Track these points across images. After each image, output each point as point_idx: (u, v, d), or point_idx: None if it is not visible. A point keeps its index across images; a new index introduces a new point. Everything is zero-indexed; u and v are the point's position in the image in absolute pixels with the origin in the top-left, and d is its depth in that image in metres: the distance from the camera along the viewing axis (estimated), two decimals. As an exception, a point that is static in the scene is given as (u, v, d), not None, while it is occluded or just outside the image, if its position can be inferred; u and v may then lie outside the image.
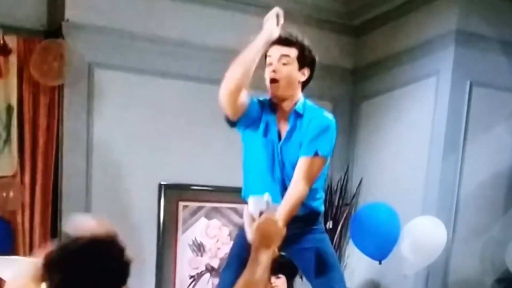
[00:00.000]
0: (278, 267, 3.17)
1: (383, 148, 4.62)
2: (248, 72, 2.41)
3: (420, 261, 3.89)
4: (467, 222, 4.12)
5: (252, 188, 2.52)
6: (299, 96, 2.59)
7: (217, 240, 4.53)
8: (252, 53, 2.42)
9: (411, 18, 4.35)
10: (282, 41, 2.51)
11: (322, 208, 2.76)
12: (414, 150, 4.29)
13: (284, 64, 2.51)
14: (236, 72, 2.40)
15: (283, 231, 2.00)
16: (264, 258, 1.86)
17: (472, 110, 4.06)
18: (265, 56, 2.53)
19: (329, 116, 2.59)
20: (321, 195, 2.73)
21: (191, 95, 4.33)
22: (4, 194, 3.85)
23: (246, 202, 2.36)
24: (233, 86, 2.42)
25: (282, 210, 2.34)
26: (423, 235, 3.86)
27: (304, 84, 2.60)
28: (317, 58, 2.58)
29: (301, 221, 2.68)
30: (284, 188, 2.54)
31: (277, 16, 2.46)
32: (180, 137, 4.32)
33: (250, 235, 2.00)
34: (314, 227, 2.76)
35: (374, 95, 4.74)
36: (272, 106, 2.59)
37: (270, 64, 2.52)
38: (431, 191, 4.12)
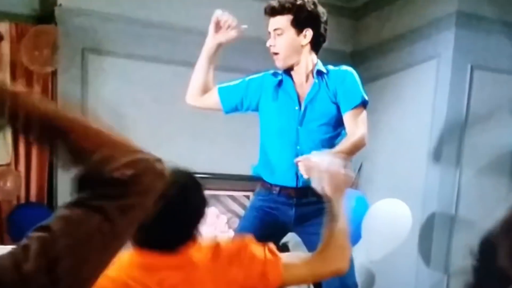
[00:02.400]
0: None
1: (383, 132, 4.56)
2: (196, 81, 2.78)
3: (384, 245, 3.83)
4: (469, 206, 4.07)
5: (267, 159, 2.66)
6: (312, 58, 2.62)
7: (215, 228, 4.48)
8: (197, 64, 2.76)
9: (410, 0, 4.27)
10: (271, 13, 2.57)
11: None
12: (414, 133, 4.24)
13: (278, 35, 2.56)
14: (190, 85, 2.79)
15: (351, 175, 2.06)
16: (341, 205, 1.95)
17: (473, 93, 4.00)
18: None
19: (349, 68, 2.71)
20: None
21: (186, 81, 4.24)
22: (1, 183, 3.80)
23: (254, 179, 2.64)
24: (188, 96, 2.85)
25: (345, 147, 2.52)
26: (386, 218, 3.80)
27: (315, 44, 2.61)
28: (322, 13, 2.58)
29: (313, 195, 2.66)
30: (297, 144, 2.62)
31: (216, 22, 2.65)
32: (176, 124, 4.26)
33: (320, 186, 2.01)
34: (326, 205, 2.75)
35: (373, 79, 4.66)
36: (288, 74, 2.67)
37: (269, 34, 2.60)
38: (432, 175, 4.07)
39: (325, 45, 2.63)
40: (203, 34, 4.15)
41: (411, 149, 4.27)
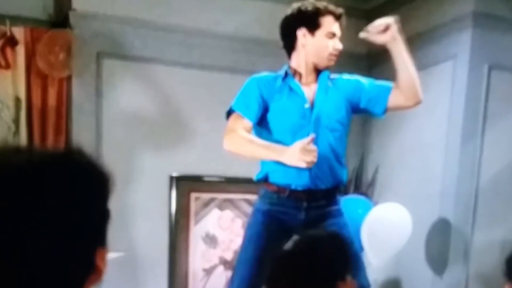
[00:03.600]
0: None
1: (399, 134, 4.52)
2: (247, 157, 2.66)
3: (384, 251, 3.81)
4: (487, 209, 4.02)
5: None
6: None
7: (230, 232, 4.47)
8: (261, 155, 2.62)
9: (425, 0, 4.24)
10: (340, 18, 2.78)
11: (345, 178, 2.88)
12: (431, 135, 4.19)
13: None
14: (241, 150, 2.67)
15: None
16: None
17: (491, 94, 3.95)
18: (315, 23, 2.69)
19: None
20: (345, 162, 2.83)
21: (201, 85, 4.27)
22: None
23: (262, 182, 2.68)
24: (233, 153, 2.72)
25: None
26: (385, 224, 3.79)
27: None
28: None
29: (324, 198, 2.67)
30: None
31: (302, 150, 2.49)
32: (191, 127, 4.26)
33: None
34: (336, 207, 2.76)
35: (389, 80, 4.63)
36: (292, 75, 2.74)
37: (332, 38, 2.73)
38: (449, 178, 4.03)
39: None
40: (218, 38, 4.19)
41: (427, 152, 4.22)
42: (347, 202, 4.14)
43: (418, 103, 2.79)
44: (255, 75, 2.76)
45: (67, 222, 0.89)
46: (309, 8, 2.70)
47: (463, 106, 3.92)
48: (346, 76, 2.85)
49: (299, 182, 2.64)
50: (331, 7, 2.73)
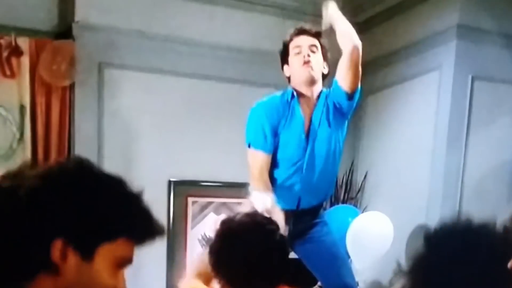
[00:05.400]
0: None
1: (388, 141, 4.68)
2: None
3: (365, 258, 3.96)
4: (472, 213, 4.14)
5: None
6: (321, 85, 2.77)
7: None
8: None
9: (413, 13, 4.41)
10: (309, 32, 2.72)
11: (328, 197, 2.90)
12: (418, 143, 4.35)
13: (312, 51, 2.70)
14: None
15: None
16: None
17: (475, 103, 4.11)
18: (286, 54, 2.72)
19: None
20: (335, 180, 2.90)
21: (200, 93, 4.40)
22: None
23: None
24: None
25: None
26: (368, 232, 3.94)
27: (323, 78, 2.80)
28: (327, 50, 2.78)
29: (309, 215, 2.76)
30: (303, 170, 2.70)
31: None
32: (189, 134, 4.40)
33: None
34: (319, 220, 2.85)
35: (378, 90, 4.80)
36: (292, 99, 2.75)
37: (299, 53, 2.70)
38: (435, 183, 4.18)
39: (333, 57, 2.77)
40: (217, 49, 4.33)
41: (414, 157, 4.38)
42: (337, 211, 4.32)
43: (354, 46, 2.70)
44: (259, 103, 2.79)
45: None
46: (281, 47, 2.80)
47: (448, 115, 4.09)
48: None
49: (288, 206, 2.71)
50: (290, 32, 2.78)
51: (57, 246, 0.99)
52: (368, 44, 4.90)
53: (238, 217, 1.86)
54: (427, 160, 4.24)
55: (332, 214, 4.09)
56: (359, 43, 2.71)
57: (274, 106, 2.75)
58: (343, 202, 4.84)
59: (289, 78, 2.80)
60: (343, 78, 2.70)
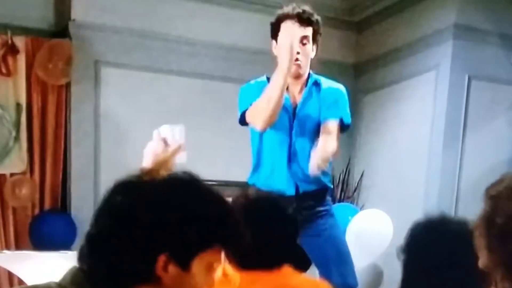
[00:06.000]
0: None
1: (385, 141, 4.69)
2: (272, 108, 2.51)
3: (364, 255, 3.93)
4: (468, 211, 4.14)
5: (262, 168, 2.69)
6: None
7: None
8: (278, 90, 2.50)
9: (410, 13, 4.42)
10: (303, 20, 2.59)
11: (330, 185, 2.87)
12: (415, 142, 4.36)
13: (304, 44, 2.60)
14: (263, 109, 2.53)
15: None
16: None
17: (471, 103, 4.13)
18: (277, 31, 2.61)
19: (340, 85, 2.75)
20: (330, 170, 2.79)
21: (197, 92, 4.41)
22: (17, 191, 3.95)
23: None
24: (264, 118, 2.55)
25: (319, 153, 2.44)
26: (367, 229, 3.94)
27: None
28: (321, 32, 2.67)
29: (312, 199, 2.72)
30: (292, 153, 2.66)
31: (291, 49, 2.47)
32: (187, 133, 4.38)
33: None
34: (325, 208, 2.80)
35: (375, 89, 4.81)
36: None
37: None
38: (432, 183, 4.19)
39: (329, 57, 2.72)
40: (213, 47, 4.33)
41: (411, 157, 4.39)
42: (337, 209, 4.32)
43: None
44: (248, 83, 2.80)
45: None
46: (275, 18, 2.67)
47: (444, 114, 4.10)
48: (335, 85, 2.78)
49: (288, 191, 2.66)
50: (290, 10, 2.61)
51: (161, 261, 1.06)
52: (365, 43, 4.98)
53: (251, 193, 1.85)
54: (423, 159, 4.25)
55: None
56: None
57: (262, 88, 2.67)
58: (340, 201, 4.83)
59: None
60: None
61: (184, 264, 1.08)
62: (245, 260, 1.65)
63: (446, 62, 4.07)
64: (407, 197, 4.26)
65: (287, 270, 1.77)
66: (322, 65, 2.74)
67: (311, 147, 2.64)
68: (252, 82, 2.80)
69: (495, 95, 4.19)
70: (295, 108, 2.70)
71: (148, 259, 1.06)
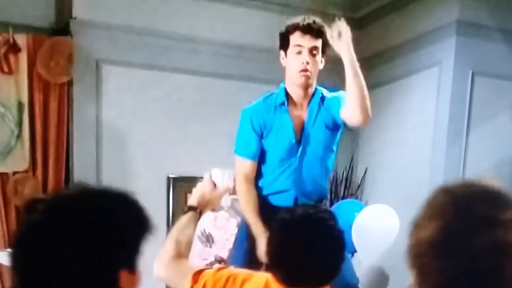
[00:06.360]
0: None
1: (388, 138, 4.68)
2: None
3: (371, 250, 3.96)
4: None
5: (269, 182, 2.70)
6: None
7: (225, 231, 4.60)
8: (248, 219, 2.65)
9: (412, 9, 4.40)
10: (313, 32, 2.57)
11: (327, 194, 2.88)
12: (418, 139, 4.35)
13: (313, 55, 2.59)
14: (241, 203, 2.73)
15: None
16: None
17: (475, 99, 4.12)
18: (286, 43, 2.60)
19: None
20: (328, 177, 2.83)
21: (198, 90, 4.40)
22: (20, 189, 3.94)
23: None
24: None
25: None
26: (373, 224, 3.93)
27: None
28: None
29: None
30: (299, 171, 2.67)
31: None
32: (188, 130, 4.39)
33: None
34: None
35: (377, 86, 4.78)
36: (281, 99, 2.68)
37: (299, 53, 2.58)
38: (435, 179, 4.17)
39: (331, 53, 2.71)
40: (215, 45, 4.33)
41: (415, 153, 4.38)
42: (342, 205, 4.31)
43: (363, 121, 2.60)
44: (247, 108, 2.75)
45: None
46: (283, 29, 2.65)
47: (448, 110, 4.09)
48: (336, 94, 2.75)
49: (285, 204, 2.66)
50: (299, 21, 2.61)
51: (123, 275, 1.16)
52: (368, 39, 4.96)
53: (299, 209, 1.84)
54: (427, 155, 4.24)
55: (337, 209, 4.09)
56: (366, 118, 2.60)
57: (259, 113, 2.70)
58: (343, 198, 4.83)
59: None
60: (344, 121, 2.64)
61: (135, 271, 1.20)
62: (296, 280, 1.67)
63: (450, 58, 4.06)
64: (411, 193, 4.22)
65: None
66: (325, 62, 2.72)
67: (314, 171, 2.71)
68: (255, 104, 2.76)
69: (499, 91, 4.17)
70: (302, 122, 2.69)
71: (111, 273, 1.15)
